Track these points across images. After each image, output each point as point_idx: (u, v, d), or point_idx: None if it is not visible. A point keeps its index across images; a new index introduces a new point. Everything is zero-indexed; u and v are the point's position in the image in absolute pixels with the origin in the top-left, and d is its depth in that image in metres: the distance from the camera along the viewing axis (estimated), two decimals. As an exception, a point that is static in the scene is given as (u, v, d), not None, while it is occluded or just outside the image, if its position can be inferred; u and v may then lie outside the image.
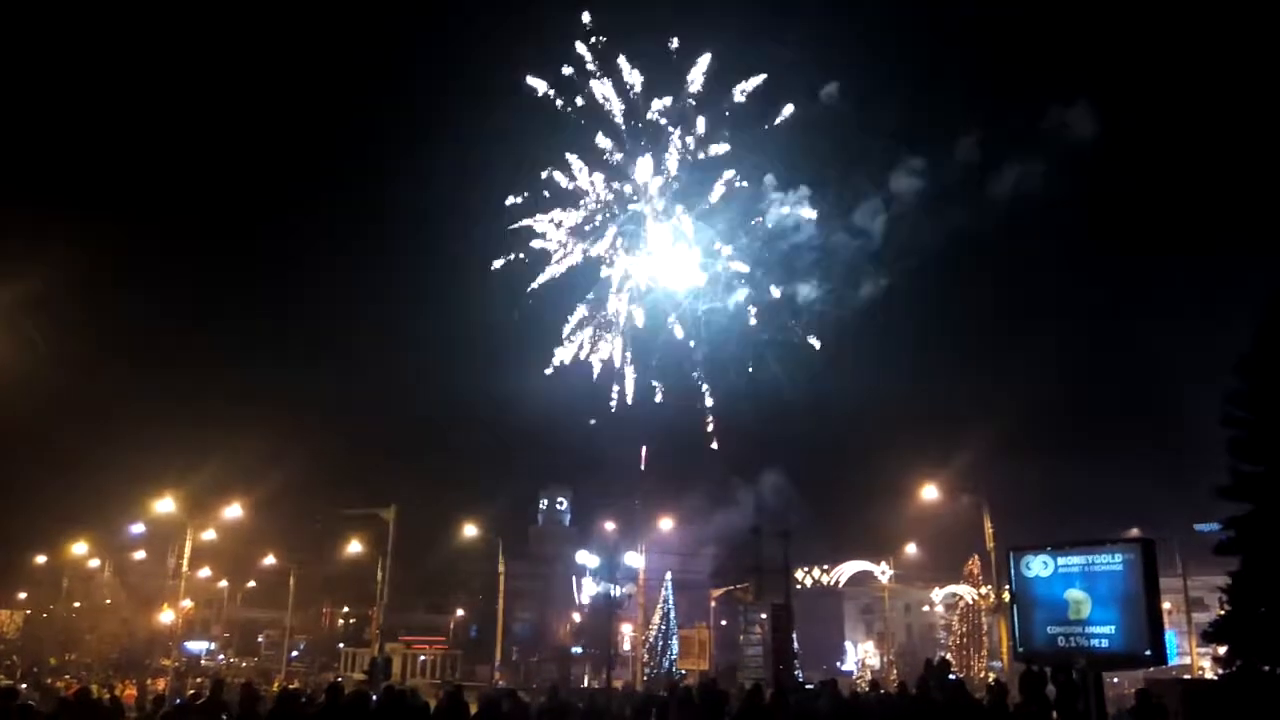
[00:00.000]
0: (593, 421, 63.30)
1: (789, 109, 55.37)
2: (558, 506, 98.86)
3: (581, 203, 57.96)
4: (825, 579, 48.57)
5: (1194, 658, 42.97)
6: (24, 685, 35.21)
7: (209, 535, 50.39)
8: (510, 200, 57.46)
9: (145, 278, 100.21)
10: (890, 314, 64.26)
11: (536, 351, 60.93)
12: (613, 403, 59.35)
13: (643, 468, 61.51)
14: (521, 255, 58.01)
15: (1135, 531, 35.33)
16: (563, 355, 59.07)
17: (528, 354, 68.53)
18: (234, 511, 44.67)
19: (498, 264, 58.18)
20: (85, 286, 74.94)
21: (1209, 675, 34.19)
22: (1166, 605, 30.36)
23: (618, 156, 57.10)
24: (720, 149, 56.61)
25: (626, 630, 56.82)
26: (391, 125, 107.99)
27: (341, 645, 68.50)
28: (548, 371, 58.81)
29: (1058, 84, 76.18)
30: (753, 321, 58.31)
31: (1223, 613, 24.38)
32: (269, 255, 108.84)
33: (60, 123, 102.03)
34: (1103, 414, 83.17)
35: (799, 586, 41.06)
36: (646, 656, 52.51)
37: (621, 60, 55.99)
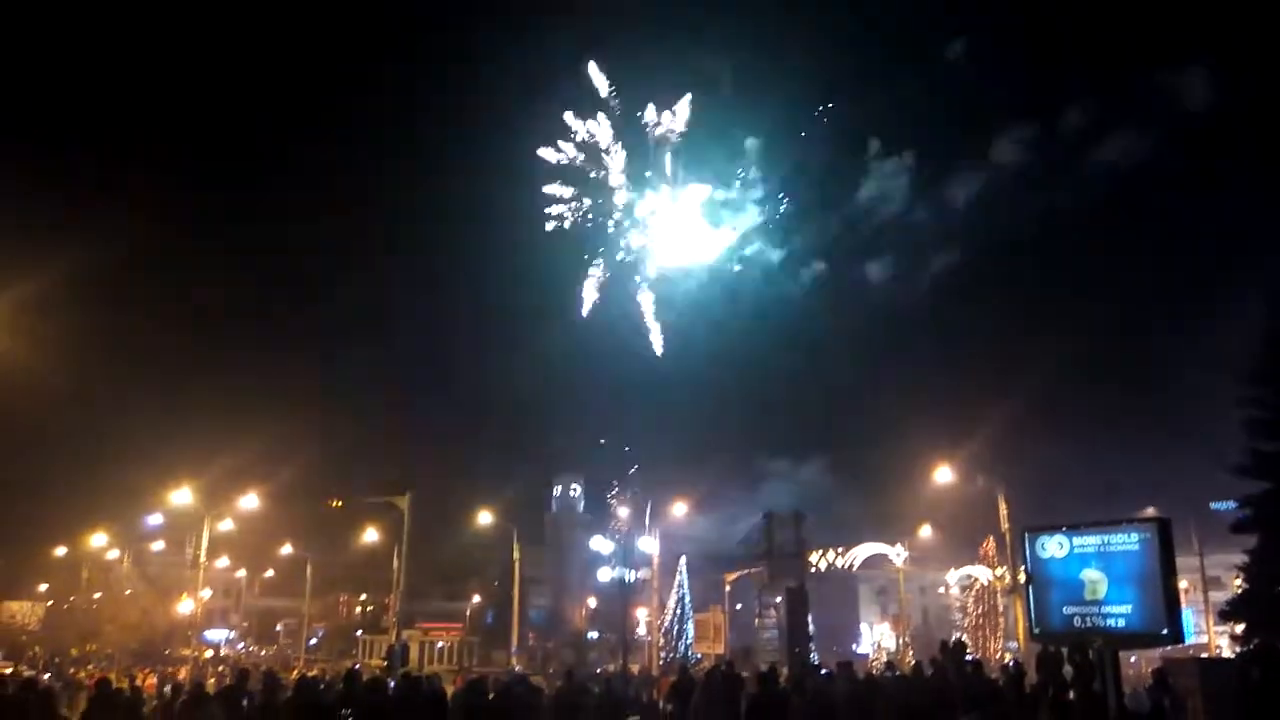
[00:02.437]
0: (602, 441, 63.53)
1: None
2: (571, 493, 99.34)
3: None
4: (839, 562, 48.43)
5: (1211, 636, 42.85)
6: (46, 675, 35.55)
7: (226, 525, 50.74)
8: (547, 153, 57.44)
9: (161, 271, 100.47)
10: (912, 296, 64.36)
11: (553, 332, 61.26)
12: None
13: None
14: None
15: (1151, 511, 35.14)
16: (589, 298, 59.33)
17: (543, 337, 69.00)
18: (250, 502, 44.95)
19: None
20: (101, 280, 75.52)
21: (1226, 653, 34.12)
22: (1183, 584, 30.28)
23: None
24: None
25: (642, 615, 57.00)
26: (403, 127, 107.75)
27: (359, 633, 68.87)
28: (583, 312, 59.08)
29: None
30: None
31: (1239, 591, 24.36)
32: (282, 247, 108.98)
33: (75, 117, 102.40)
34: (1119, 393, 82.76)
35: (813, 569, 40.97)
36: (662, 640, 52.66)
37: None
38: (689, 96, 57.20)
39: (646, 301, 59.90)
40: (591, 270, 59.41)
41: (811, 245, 61.56)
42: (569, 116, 57.32)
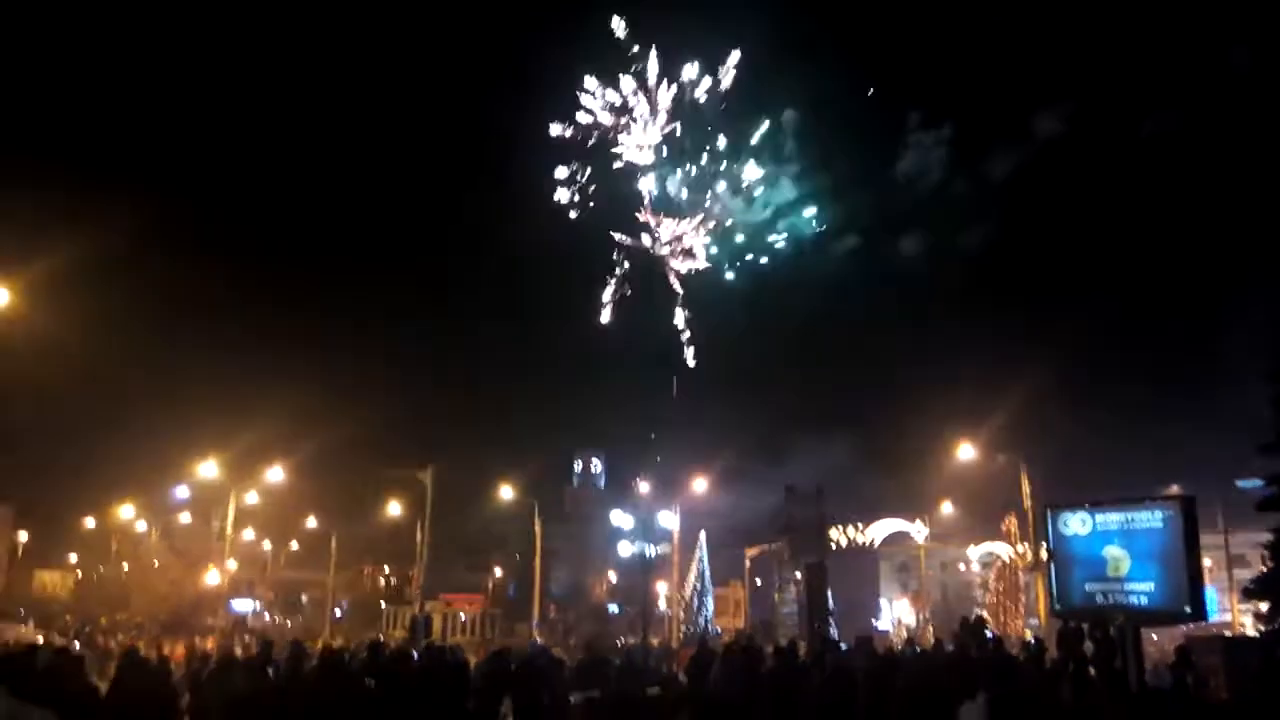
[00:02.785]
0: (653, 435, 63.09)
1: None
2: (592, 469, 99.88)
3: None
4: (860, 538, 48.45)
5: (1235, 614, 42.63)
6: (76, 643, 36.19)
7: (252, 498, 51.36)
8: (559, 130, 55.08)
9: (191, 246, 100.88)
10: (940, 272, 63.76)
11: (581, 310, 60.81)
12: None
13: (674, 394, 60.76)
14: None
15: (1175, 488, 34.95)
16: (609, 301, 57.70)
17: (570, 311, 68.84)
18: (276, 475, 45.47)
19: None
20: (130, 254, 76.16)
21: (1250, 632, 33.92)
22: (1207, 562, 30.14)
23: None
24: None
25: (662, 589, 57.32)
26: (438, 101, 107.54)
27: (383, 604, 69.63)
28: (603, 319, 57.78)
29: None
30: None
31: (1265, 569, 24.17)
32: (310, 219, 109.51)
33: (113, 92, 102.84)
34: (1143, 369, 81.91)
35: (834, 545, 41.01)
36: (682, 615, 52.98)
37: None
38: (737, 54, 53.72)
39: (678, 310, 58.56)
40: (612, 273, 57.72)
41: (845, 219, 60.61)
42: (591, 81, 54.53)
